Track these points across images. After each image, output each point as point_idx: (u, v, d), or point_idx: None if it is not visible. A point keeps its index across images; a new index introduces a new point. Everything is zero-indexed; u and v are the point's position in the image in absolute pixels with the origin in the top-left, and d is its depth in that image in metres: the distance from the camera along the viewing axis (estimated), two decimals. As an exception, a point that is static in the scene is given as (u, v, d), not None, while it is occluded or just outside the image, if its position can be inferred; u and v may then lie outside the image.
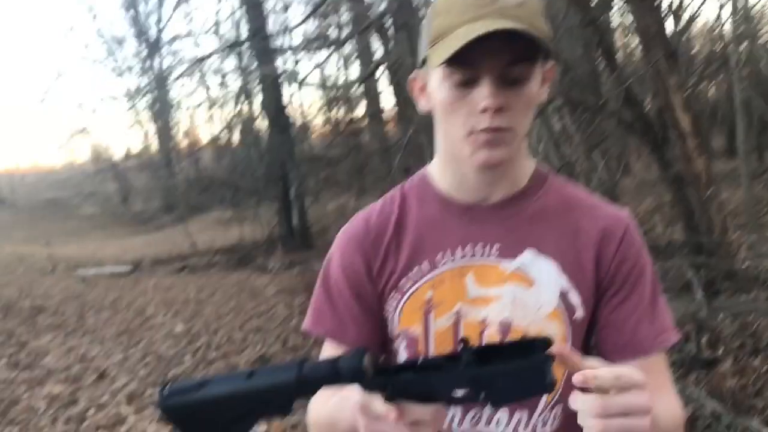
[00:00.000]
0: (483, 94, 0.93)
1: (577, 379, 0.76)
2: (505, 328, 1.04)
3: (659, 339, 1.04)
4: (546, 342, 0.79)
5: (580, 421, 0.80)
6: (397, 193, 1.14)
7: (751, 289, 4.75)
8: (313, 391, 0.80)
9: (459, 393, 0.83)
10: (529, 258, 1.04)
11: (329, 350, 1.13)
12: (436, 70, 0.97)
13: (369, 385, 0.81)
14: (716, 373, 3.81)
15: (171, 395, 0.82)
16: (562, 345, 1.03)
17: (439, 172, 1.10)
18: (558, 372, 1.04)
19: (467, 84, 0.94)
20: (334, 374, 0.78)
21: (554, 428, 1.08)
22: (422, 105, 1.06)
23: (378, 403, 0.80)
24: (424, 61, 1.02)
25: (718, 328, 4.28)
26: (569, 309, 1.04)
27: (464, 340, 0.81)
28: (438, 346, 1.06)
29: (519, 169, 1.07)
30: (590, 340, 1.11)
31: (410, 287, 1.07)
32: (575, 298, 1.04)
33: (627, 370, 0.79)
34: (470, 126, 0.96)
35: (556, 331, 1.03)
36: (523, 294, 1.03)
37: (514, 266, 1.04)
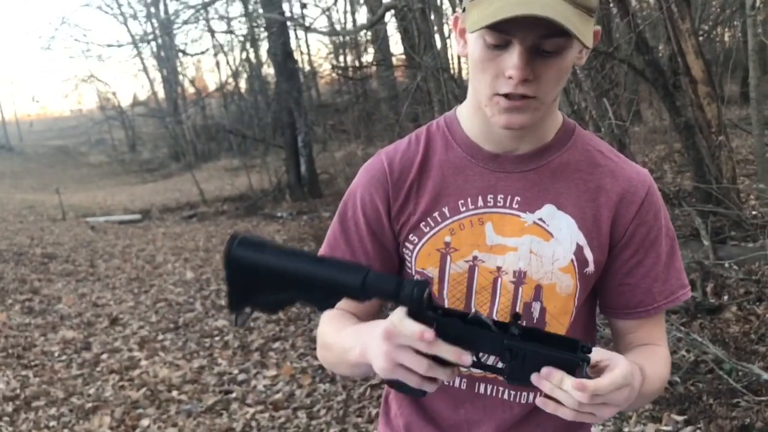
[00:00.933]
0: (511, 62, 0.91)
1: (575, 385, 0.79)
2: (519, 277, 1.06)
3: (669, 299, 1.09)
4: (588, 348, 0.82)
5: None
6: (423, 133, 1.13)
7: (758, 237, 4.75)
8: (367, 299, 0.83)
9: (489, 359, 0.86)
10: (548, 212, 1.05)
11: None
12: None
13: (419, 315, 0.83)
14: (720, 319, 3.84)
15: (241, 245, 0.82)
16: (570, 305, 1.07)
17: (467, 118, 1.10)
18: (563, 318, 1.07)
19: (499, 46, 0.93)
20: (395, 293, 0.81)
21: None
22: (460, 49, 1.04)
23: (410, 323, 0.83)
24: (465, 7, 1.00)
25: (724, 275, 4.30)
26: (582, 264, 1.06)
27: (517, 315, 0.85)
28: (452, 289, 1.08)
29: (547, 122, 1.07)
30: (594, 293, 1.13)
31: (430, 230, 1.08)
32: (589, 255, 1.06)
33: (621, 376, 0.82)
34: (495, 88, 0.95)
35: (568, 283, 1.06)
36: (540, 246, 1.05)
37: (533, 219, 1.05)
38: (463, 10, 0.99)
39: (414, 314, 0.83)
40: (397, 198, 1.10)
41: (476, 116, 1.07)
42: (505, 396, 1.11)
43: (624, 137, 5.16)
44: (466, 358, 0.82)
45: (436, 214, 1.08)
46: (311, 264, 0.83)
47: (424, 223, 1.08)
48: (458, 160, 1.09)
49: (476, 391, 1.12)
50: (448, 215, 1.07)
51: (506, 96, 0.95)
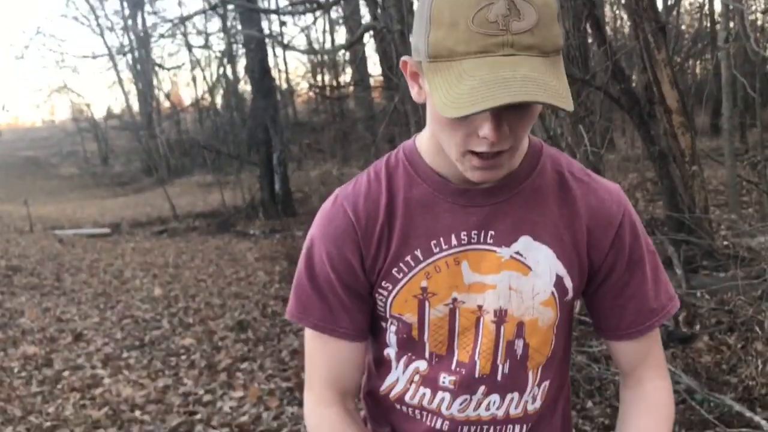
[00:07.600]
0: (485, 123, 0.84)
1: None
2: (501, 316, 1.02)
3: (661, 315, 1.06)
4: None
5: None
6: (382, 170, 1.05)
7: (729, 267, 4.78)
8: None
9: None
10: (524, 245, 1.00)
11: (318, 341, 1.08)
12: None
13: None
14: (692, 349, 3.84)
15: None
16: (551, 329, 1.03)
17: (430, 153, 1.02)
18: (544, 349, 1.04)
19: None
20: None
21: (542, 403, 1.09)
22: (415, 94, 0.96)
23: None
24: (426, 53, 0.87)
25: (696, 305, 4.31)
26: (562, 294, 1.03)
27: None
28: (433, 333, 1.03)
29: None
30: (570, 314, 1.10)
31: (404, 276, 1.02)
32: (568, 284, 1.02)
33: None
34: (467, 146, 0.89)
35: (549, 315, 1.02)
36: (519, 281, 1.01)
37: (510, 253, 1.00)
38: (418, 63, 0.90)
39: None
40: (369, 248, 1.02)
41: (440, 154, 0.98)
42: None
43: (599, 164, 5.19)
44: None
45: (408, 258, 1.01)
46: None
47: (396, 268, 1.01)
48: (425, 197, 1.01)
49: None
50: (421, 258, 1.00)
51: (479, 154, 0.89)
